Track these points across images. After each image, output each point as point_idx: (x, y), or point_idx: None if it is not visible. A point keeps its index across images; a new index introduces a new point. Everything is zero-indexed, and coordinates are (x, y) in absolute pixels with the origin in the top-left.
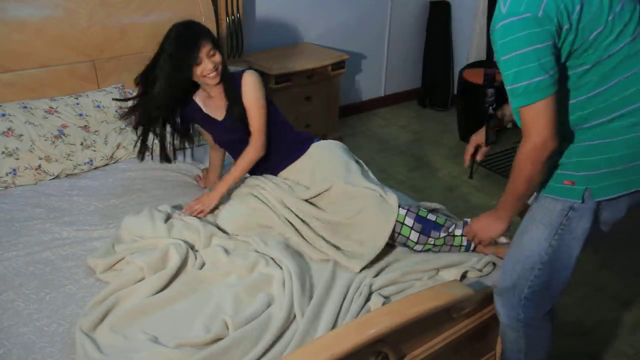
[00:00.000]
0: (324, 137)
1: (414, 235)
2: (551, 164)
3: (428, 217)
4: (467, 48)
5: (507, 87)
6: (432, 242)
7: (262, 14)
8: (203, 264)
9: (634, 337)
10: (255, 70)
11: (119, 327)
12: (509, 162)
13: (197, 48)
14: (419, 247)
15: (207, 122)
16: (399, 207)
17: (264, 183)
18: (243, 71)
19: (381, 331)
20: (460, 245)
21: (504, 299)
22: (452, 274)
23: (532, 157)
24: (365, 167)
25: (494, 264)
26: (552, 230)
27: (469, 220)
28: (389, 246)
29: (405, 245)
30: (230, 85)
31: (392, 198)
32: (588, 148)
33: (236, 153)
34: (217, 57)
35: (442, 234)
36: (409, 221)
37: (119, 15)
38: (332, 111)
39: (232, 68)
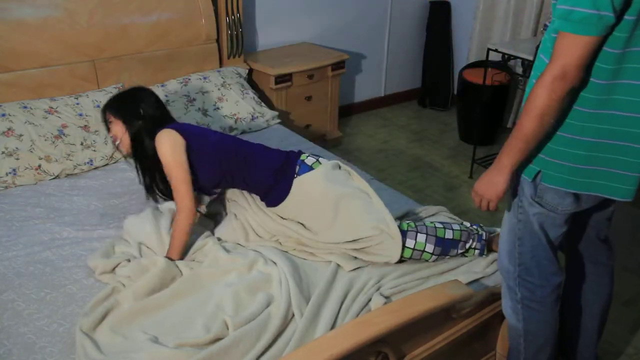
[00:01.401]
0: (324, 137)
1: (434, 258)
2: (565, 109)
3: (446, 237)
4: (467, 48)
5: (565, 7)
6: (448, 258)
7: (262, 14)
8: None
9: (634, 337)
10: (255, 70)
11: (119, 327)
12: None
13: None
14: (434, 263)
15: None
16: (417, 232)
17: (254, 213)
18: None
19: (381, 331)
20: (472, 257)
21: (506, 282)
22: (460, 279)
23: (549, 87)
24: (357, 179)
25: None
26: (515, 206)
27: (484, 235)
28: None
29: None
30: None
31: (395, 233)
32: (557, 136)
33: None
34: (113, 131)
35: (460, 251)
36: (430, 247)
37: (119, 15)
38: (332, 111)
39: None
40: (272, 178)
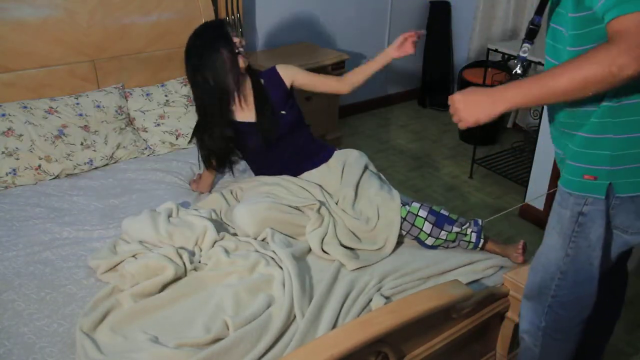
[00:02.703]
0: (324, 137)
1: (427, 227)
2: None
3: (441, 212)
4: (467, 48)
5: None
6: (444, 237)
7: (262, 14)
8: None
9: (633, 336)
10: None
11: (119, 327)
12: (509, 162)
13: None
14: (430, 241)
15: (243, 129)
16: (413, 201)
17: (283, 180)
18: (272, 68)
19: (381, 331)
20: (469, 242)
21: (531, 304)
22: (460, 279)
23: (603, 65)
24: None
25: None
26: (566, 239)
27: (480, 220)
28: (395, 248)
29: (417, 238)
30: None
31: (396, 219)
32: (619, 141)
33: (261, 160)
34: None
35: (455, 229)
36: (423, 212)
37: (119, 15)
38: (332, 111)
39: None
40: (316, 144)
